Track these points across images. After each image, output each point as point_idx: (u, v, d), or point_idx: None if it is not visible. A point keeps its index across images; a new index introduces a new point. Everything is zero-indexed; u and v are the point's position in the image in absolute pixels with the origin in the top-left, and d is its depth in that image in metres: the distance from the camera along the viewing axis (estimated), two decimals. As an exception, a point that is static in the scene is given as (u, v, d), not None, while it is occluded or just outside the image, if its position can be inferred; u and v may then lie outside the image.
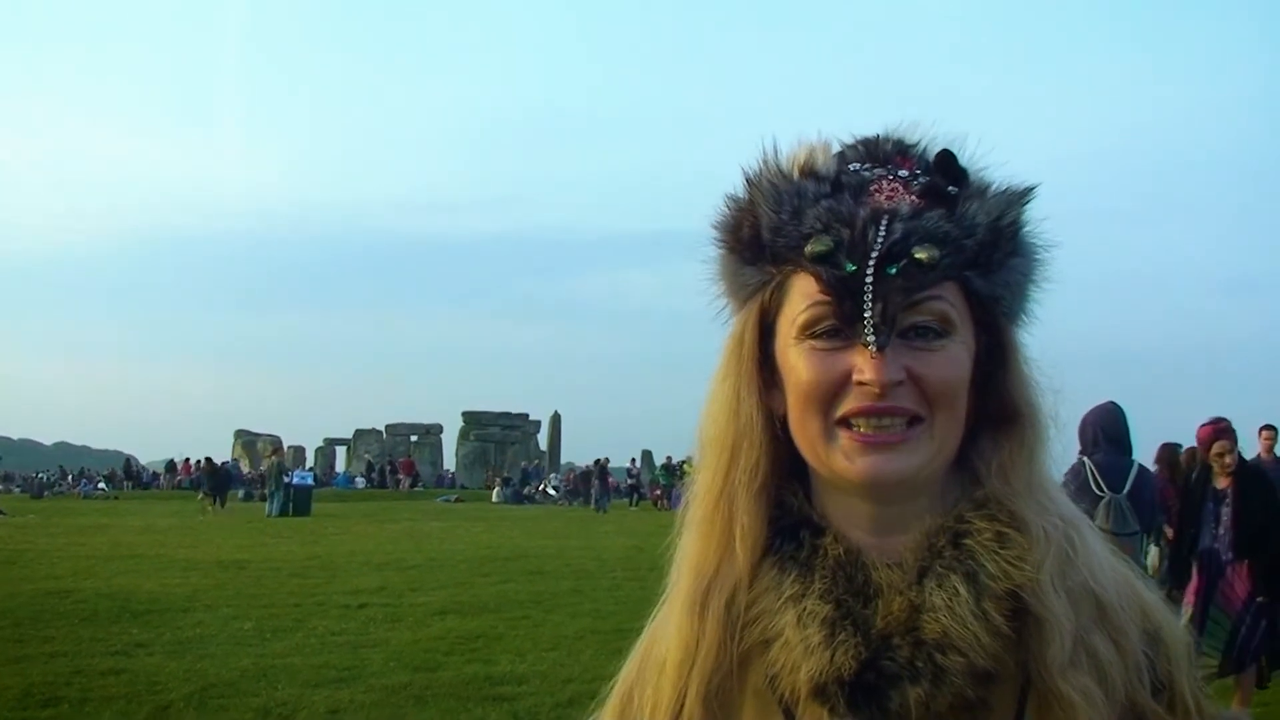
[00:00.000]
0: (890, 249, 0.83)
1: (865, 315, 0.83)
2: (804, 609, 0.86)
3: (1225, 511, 6.17)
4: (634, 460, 42.42)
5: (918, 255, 0.83)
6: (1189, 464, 7.78)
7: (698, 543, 0.92)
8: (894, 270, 0.83)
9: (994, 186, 0.89)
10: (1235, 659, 5.97)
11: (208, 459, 34.39)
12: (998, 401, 0.89)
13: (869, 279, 0.83)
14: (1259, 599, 6.00)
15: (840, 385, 0.85)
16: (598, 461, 36.76)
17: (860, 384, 0.83)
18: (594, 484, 35.06)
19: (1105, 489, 5.42)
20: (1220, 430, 6.32)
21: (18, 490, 46.54)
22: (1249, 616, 5.98)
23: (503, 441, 55.19)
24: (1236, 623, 6.00)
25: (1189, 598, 6.17)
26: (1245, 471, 6.29)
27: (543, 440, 56.18)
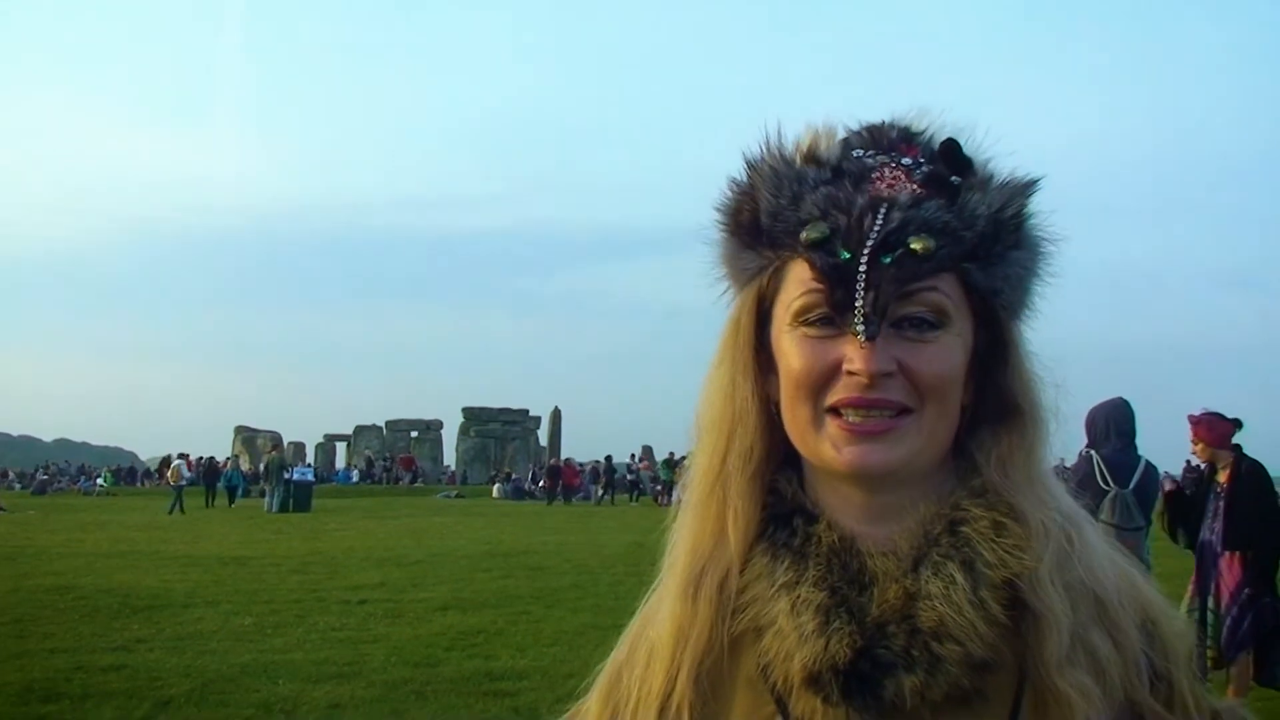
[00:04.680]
0: (886, 238, 0.83)
1: (856, 305, 0.82)
2: (798, 596, 0.85)
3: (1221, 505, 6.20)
4: (634, 455, 42.37)
5: (913, 245, 0.82)
6: None
7: (693, 525, 0.92)
8: (889, 259, 0.82)
9: (998, 177, 0.88)
10: (1224, 651, 6.00)
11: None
12: (998, 396, 0.88)
13: (863, 267, 0.82)
14: (1247, 590, 6.04)
15: (831, 374, 0.84)
16: (608, 458, 37.14)
17: (850, 373, 0.83)
18: (601, 478, 35.49)
19: (1112, 483, 5.45)
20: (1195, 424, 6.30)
21: (19, 486, 46.55)
22: (1236, 608, 6.02)
23: (503, 437, 55.13)
24: (1224, 615, 6.05)
25: (1190, 590, 6.21)
26: (1241, 465, 6.30)
27: (543, 436, 56.12)
